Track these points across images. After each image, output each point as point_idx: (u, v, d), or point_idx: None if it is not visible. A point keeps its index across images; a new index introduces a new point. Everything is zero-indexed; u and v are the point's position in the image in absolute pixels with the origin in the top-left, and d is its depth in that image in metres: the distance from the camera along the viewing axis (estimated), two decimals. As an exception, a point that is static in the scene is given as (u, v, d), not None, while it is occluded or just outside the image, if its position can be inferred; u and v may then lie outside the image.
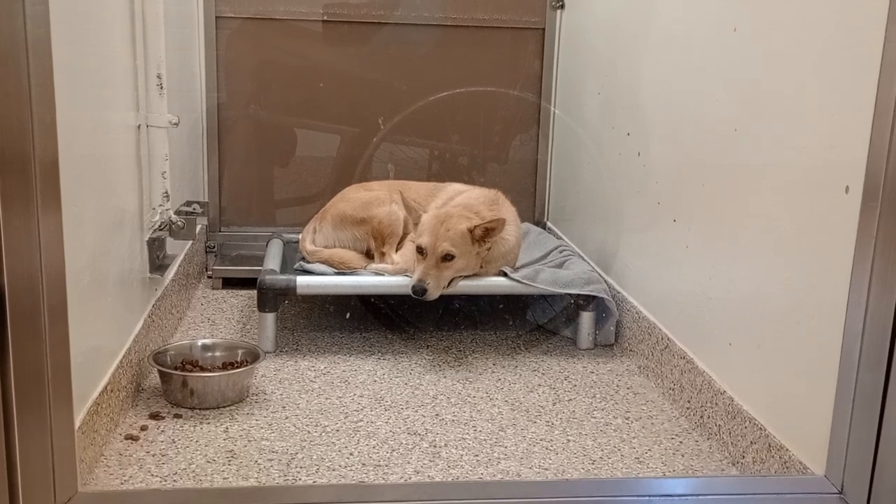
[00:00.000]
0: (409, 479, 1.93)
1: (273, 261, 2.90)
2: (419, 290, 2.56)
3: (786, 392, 1.85)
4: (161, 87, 2.43)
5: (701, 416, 2.20)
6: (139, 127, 2.40)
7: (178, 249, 2.89)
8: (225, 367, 2.38)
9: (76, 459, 1.57)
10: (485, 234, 2.63)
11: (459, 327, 2.97)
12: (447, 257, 2.59)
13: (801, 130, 1.79)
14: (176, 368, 2.33)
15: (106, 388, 1.97)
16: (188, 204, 2.90)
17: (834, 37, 1.69)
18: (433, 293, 2.58)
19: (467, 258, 2.63)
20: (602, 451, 2.10)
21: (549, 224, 3.72)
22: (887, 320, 1.51)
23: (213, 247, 3.54)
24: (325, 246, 2.93)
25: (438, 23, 3.55)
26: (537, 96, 3.67)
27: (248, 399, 2.32)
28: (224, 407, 2.26)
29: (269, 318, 2.70)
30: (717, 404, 2.11)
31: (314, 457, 2.01)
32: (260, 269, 2.82)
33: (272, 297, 2.69)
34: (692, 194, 2.32)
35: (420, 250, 2.60)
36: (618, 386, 2.51)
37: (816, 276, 1.73)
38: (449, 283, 2.63)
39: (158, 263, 2.52)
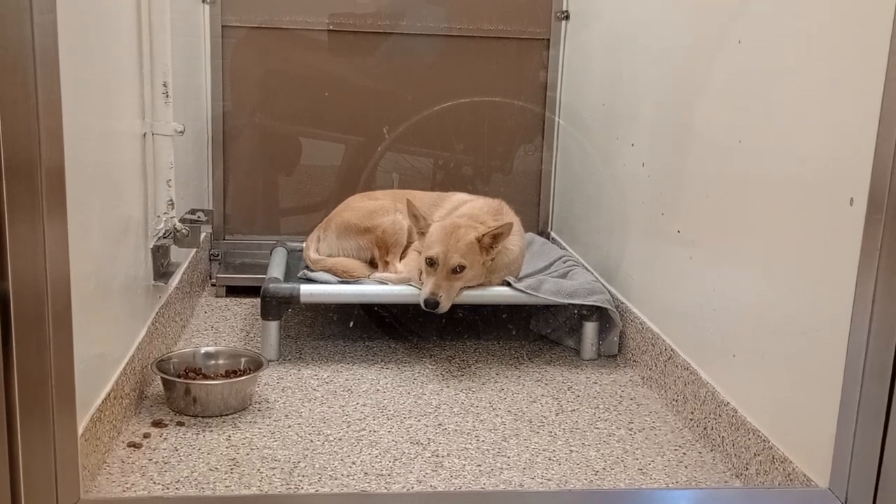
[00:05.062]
0: (412, 488, 1.93)
1: (277, 269, 2.91)
2: (432, 303, 2.56)
3: (790, 404, 1.84)
4: (167, 96, 2.44)
5: (704, 428, 2.19)
6: (145, 135, 2.41)
7: (183, 257, 2.89)
8: (228, 375, 2.38)
9: (79, 466, 1.57)
10: (493, 241, 2.63)
11: (463, 337, 2.97)
12: (458, 269, 2.59)
13: (806, 142, 1.79)
14: (179, 376, 2.33)
15: (109, 395, 1.97)
16: (193, 212, 2.91)
17: (838, 49, 1.70)
18: (445, 305, 2.58)
19: (476, 269, 2.63)
20: (605, 462, 2.09)
21: (552, 234, 3.72)
22: (892, 332, 1.50)
23: (217, 255, 3.55)
24: (328, 255, 2.93)
25: (444, 33, 3.56)
26: (542, 107, 3.68)
27: (250, 407, 2.32)
28: (227, 415, 2.26)
29: (273, 326, 2.70)
30: (720, 416, 2.10)
31: (316, 465, 2.01)
32: (264, 278, 2.82)
33: (276, 306, 2.69)
34: (696, 205, 2.32)
35: (430, 262, 2.60)
36: (621, 397, 2.51)
37: (821, 288, 1.73)
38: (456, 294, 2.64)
39: (162, 271, 2.53)
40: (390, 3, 3.52)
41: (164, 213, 2.52)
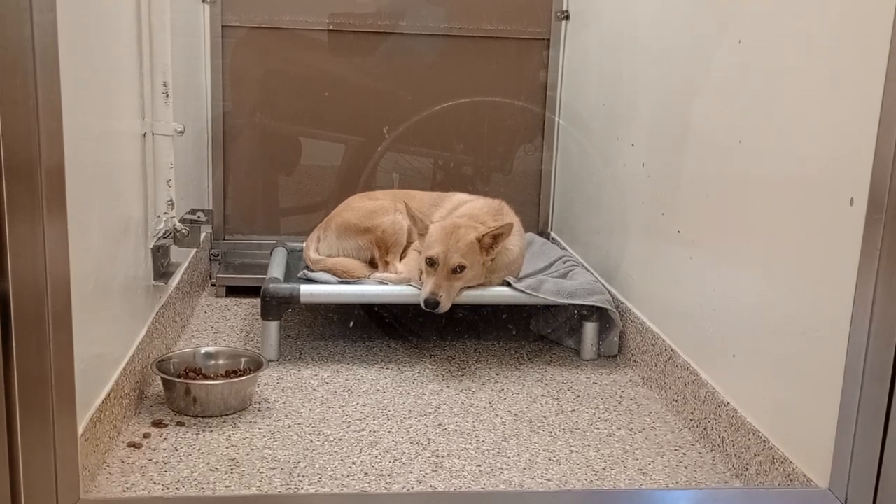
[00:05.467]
0: (412, 488, 1.93)
1: (277, 269, 2.91)
2: (432, 303, 2.55)
3: (790, 404, 1.84)
4: (167, 96, 2.44)
5: (704, 428, 2.19)
6: (145, 135, 2.41)
7: (183, 257, 2.89)
8: (228, 375, 2.38)
9: (79, 466, 1.57)
10: (493, 241, 2.63)
11: (463, 337, 2.97)
12: (458, 269, 2.59)
13: (806, 142, 1.79)
14: (179, 376, 2.33)
15: (109, 395, 1.97)
16: (193, 212, 2.90)
17: (839, 49, 1.70)
18: (445, 305, 2.57)
19: (476, 269, 2.63)
20: (605, 462, 2.09)
21: (552, 234, 3.72)
22: (892, 332, 1.50)
23: (218, 255, 3.55)
24: (328, 255, 2.93)
25: (444, 33, 3.56)
26: (542, 107, 3.68)
27: (250, 407, 2.32)
28: (227, 415, 2.26)
29: (273, 326, 2.70)
30: (720, 416, 2.10)
31: (316, 466, 2.01)
32: (264, 278, 2.82)
33: (276, 306, 2.69)
34: (696, 205, 2.32)
35: (431, 262, 2.60)
36: (621, 397, 2.51)
37: (821, 288, 1.73)
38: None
39: (162, 271, 2.53)
40: (390, 2, 3.52)
41: (164, 213, 2.52)
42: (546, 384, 2.58)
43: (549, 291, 2.73)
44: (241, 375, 2.36)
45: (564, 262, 3.06)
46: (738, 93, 2.10)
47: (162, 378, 2.29)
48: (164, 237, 2.53)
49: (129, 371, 2.16)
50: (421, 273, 2.68)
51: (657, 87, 2.63)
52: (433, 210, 2.95)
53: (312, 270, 2.87)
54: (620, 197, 2.91)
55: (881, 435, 1.52)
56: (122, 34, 2.18)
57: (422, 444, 2.14)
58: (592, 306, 2.76)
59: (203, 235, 3.30)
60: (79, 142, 1.73)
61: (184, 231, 2.57)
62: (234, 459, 2.03)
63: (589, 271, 3.02)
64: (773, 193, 1.92)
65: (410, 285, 2.72)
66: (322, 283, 2.78)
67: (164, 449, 2.07)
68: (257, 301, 2.74)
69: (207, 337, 2.91)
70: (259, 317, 2.73)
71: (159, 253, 2.49)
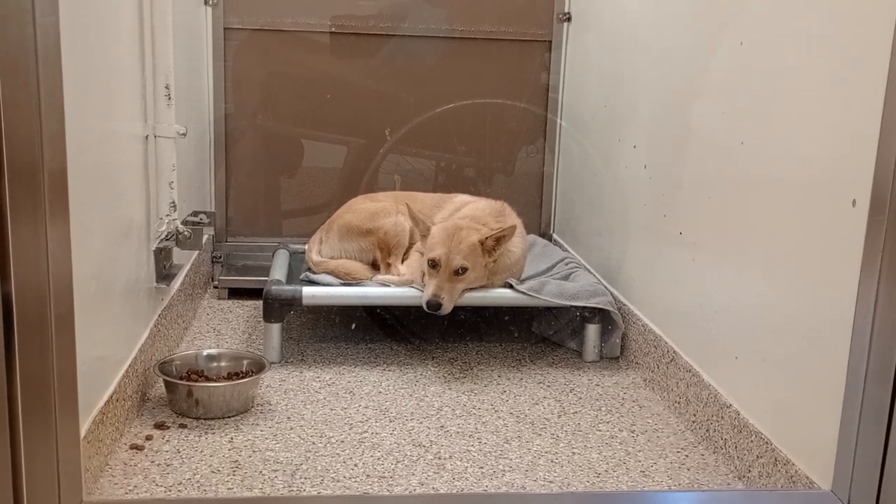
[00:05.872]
0: (414, 490, 1.93)
1: (279, 271, 2.91)
2: (434, 304, 2.56)
3: (792, 406, 1.84)
4: (169, 98, 2.44)
5: (707, 430, 2.19)
6: (147, 137, 2.41)
7: (185, 259, 2.89)
8: (230, 377, 2.38)
9: (81, 469, 1.57)
10: (496, 243, 2.63)
11: (465, 339, 2.97)
12: (461, 271, 2.59)
13: (808, 144, 1.79)
14: (181, 378, 2.33)
15: (111, 397, 1.97)
16: (195, 214, 2.91)
17: (841, 50, 1.70)
18: (448, 307, 2.58)
19: (478, 270, 2.64)
20: (607, 464, 2.09)
21: (554, 236, 3.72)
22: (894, 333, 1.50)
23: (220, 257, 3.55)
24: (331, 257, 2.93)
25: (446, 35, 3.56)
26: (543, 108, 3.68)
27: (253, 409, 2.32)
28: (229, 417, 2.26)
29: (275, 328, 2.70)
30: (722, 418, 2.10)
31: (319, 468, 2.01)
32: (266, 280, 2.82)
33: (278, 308, 2.69)
34: (698, 207, 2.32)
35: (433, 264, 2.60)
36: (623, 399, 2.50)
37: (823, 290, 1.73)
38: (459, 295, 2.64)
39: (165, 273, 2.53)
40: (392, 4, 3.52)
41: (167, 215, 2.52)
42: (548, 386, 2.58)
43: (551, 293, 2.73)
44: (243, 377, 2.36)
45: (566, 264, 3.06)
46: (739, 94, 2.10)
47: (164, 380, 2.30)
48: (167, 239, 2.53)
49: (131, 373, 2.16)
50: (423, 275, 2.68)
51: (659, 89, 2.63)
52: (435, 212, 2.95)
53: (314, 272, 2.87)
54: (622, 198, 2.91)
55: (884, 436, 1.52)
56: (124, 36, 2.19)
57: (424, 446, 2.14)
58: (594, 308, 2.76)
59: (205, 237, 3.31)
60: (81, 144, 1.73)
61: (186, 233, 2.57)
62: (236, 461, 2.03)
63: (591, 273, 3.02)
64: (775, 194, 1.92)
65: (413, 287, 2.72)
66: (324, 285, 2.78)
67: (167, 451, 2.07)
68: (259, 303, 2.74)
69: (209, 339, 2.91)
70: (261, 319, 2.73)
71: (161, 255, 2.50)
